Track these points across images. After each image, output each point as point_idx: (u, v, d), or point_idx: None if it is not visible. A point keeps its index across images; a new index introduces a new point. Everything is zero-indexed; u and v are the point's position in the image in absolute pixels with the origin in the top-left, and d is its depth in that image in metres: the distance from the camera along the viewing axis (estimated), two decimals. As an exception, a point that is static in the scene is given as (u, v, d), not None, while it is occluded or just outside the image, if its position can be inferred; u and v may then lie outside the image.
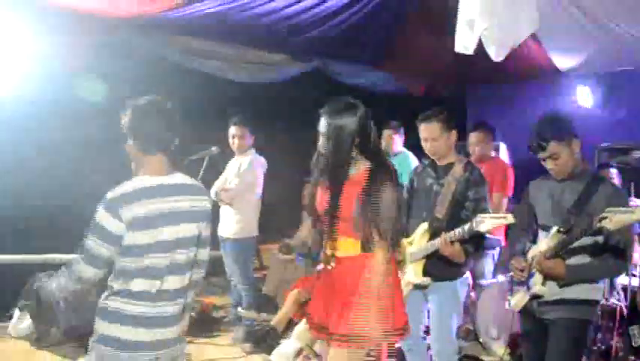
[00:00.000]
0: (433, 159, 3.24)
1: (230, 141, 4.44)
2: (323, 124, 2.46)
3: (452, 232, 2.89)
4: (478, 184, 3.08)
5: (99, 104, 4.50)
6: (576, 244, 2.54)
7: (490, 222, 2.70)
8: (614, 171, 4.66)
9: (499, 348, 4.16)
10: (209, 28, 4.77)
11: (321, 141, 2.48)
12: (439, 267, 3.03)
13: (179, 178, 2.28)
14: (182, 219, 2.22)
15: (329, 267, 2.51)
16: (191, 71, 5.07)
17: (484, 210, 2.99)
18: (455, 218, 3.03)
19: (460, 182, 3.08)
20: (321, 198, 2.54)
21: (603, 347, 3.94)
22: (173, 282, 2.22)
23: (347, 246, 2.48)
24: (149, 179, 2.19)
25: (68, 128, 4.51)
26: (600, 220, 2.27)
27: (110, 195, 2.11)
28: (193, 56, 5.11)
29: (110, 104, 4.75)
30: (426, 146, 3.20)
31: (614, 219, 2.22)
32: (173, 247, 2.20)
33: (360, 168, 2.49)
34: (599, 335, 4.01)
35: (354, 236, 2.44)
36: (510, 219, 2.64)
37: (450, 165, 3.16)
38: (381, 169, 2.46)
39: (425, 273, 3.07)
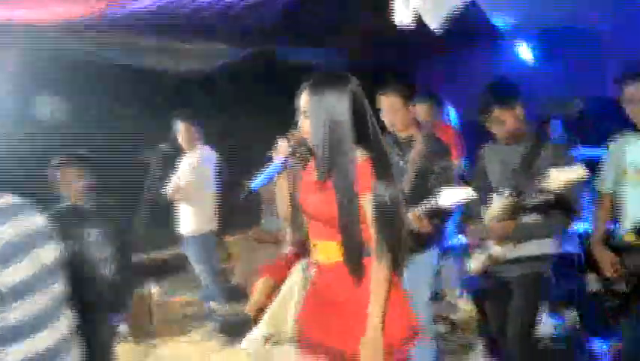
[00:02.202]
0: (395, 135, 3.21)
1: (177, 137, 4.36)
2: (307, 102, 1.92)
3: (419, 208, 2.92)
4: (442, 155, 3.09)
5: (38, 113, 4.39)
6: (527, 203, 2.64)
7: (453, 196, 2.69)
8: (556, 123, 4.80)
9: (466, 305, 4.32)
10: (143, 24, 4.65)
11: (306, 124, 1.92)
12: (410, 241, 3.06)
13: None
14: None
15: (310, 276, 2.14)
16: (131, 68, 4.96)
17: (450, 180, 3.00)
18: (422, 191, 3.01)
19: (423, 154, 3.08)
20: (307, 197, 2.03)
21: (562, 292, 4.12)
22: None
23: (330, 251, 2.01)
24: None
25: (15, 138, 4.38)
26: (541, 181, 2.37)
27: None
28: (130, 52, 4.99)
29: (50, 111, 4.67)
30: (384, 117, 3.16)
31: (555, 179, 2.32)
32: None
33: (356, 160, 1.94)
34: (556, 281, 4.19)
35: (337, 239, 1.96)
36: (472, 194, 2.65)
37: (411, 138, 3.15)
38: (384, 160, 1.97)
39: None
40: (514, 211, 2.68)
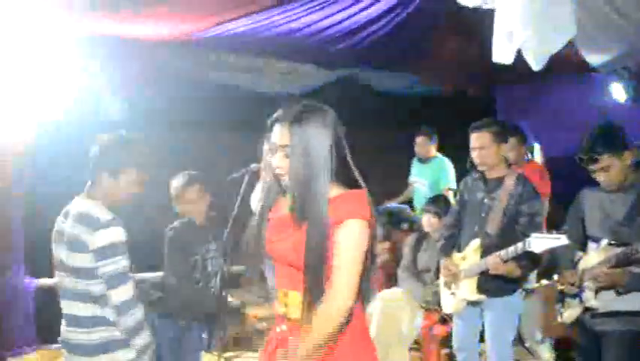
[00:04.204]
0: (482, 172, 3.21)
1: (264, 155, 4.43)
2: (287, 137, 1.71)
3: (505, 251, 2.89)
4: (532, 198, 3.05)
5: (147, 125, 4.62)
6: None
7: (544, 243, 2.69)
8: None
9: (546, 352, 4.18)
10: (241, 44, 4.84)
11: (283, 160, 1.73)
12: (492, 283, 3.03)
13: (82, 205, 2.27)
14: (68, 245, 2.22)
15: (278, 329, 1.85)
16: (224, 86, 5.15)
17: (539, 225, 2.98)
18: (508, 234, 3.02)
19: (513, 196, 3.06)
20: (276, 237, 1.81)
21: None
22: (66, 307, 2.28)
23: (299, 303, 1.74)
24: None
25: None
26: None
27: None
28: (225, 71, 5.19)
29: (156, 124, 4.91)
30: (474, 155, 3.18)
31: None
32: (60, 270, 2.27)
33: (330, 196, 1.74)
34: None
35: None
36: (564, 240, 2.63)
37: (501, 179, 3.13)
38: (359, 195, 1.76)
39: (479, 289, 3.08)
40: (617, 263, 2.60)
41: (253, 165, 4.33)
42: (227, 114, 5.27)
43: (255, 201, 4.43)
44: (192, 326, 3.11)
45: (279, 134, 1.74)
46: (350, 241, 1.69)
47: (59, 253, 2.27)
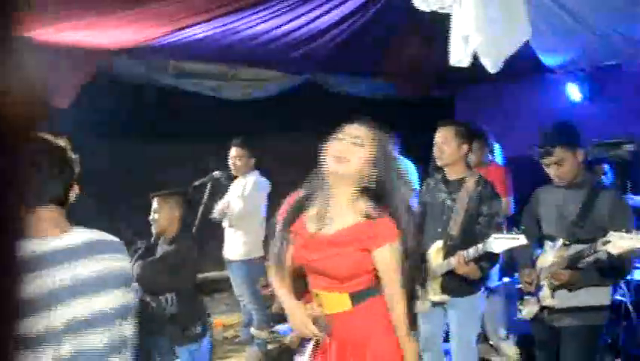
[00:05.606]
0: (443, 174, 3.25)
1: (231, 162, 4.42)
2: (359, 128, 1.96)
3: (466, 252, 2.93)
4: (492, 198, 3.09)
5: (97, 135, 4.53)
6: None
7: (503, 243, 2.74)
8: (606, 167, 4.73)
9: (509, 348, 4.25)
10: (201, 50, 4.80)
11: (346, 145, 1.93)
12: (456, 283, 3.06)
13: (82, 235, 1.61)
14: (91, 289, 1.56)
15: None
16: (186, 93, 5.09)
17: (499, 226, 3.02)
18: (469, 234, 3.05)
19: (473, 197, 3.09)
20: (319, 257, 1.98)
21: (609, 341, 4.04)
22: None
23: (335, 301, 1.97)
24: (31, 244, 1.47)
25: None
26: (604, 244, 2.37)
27: None
28: (186, 78, 5.13)
29: (106, 134, 4.84)
30: (434, 149, 3.21)
31: (617, 245, 2.34)
32: (75, 329, 1.51)
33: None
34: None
35: (339, 289, 1.95)
36: (522, 240, 2.69)
37: (462, 180, 3.16)
38: (388, 223, 1.94)
39: (443, 289, 3.12)
40: (571, 262, 2.68)
41: (216, 173, 4.33)
42: (189, 121, 5.23)
43: (218, 210, 4.41)
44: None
45: (354, 127, 1.96)
46: (393, 262, 1.91)
47: (74, 309, 1.52)
